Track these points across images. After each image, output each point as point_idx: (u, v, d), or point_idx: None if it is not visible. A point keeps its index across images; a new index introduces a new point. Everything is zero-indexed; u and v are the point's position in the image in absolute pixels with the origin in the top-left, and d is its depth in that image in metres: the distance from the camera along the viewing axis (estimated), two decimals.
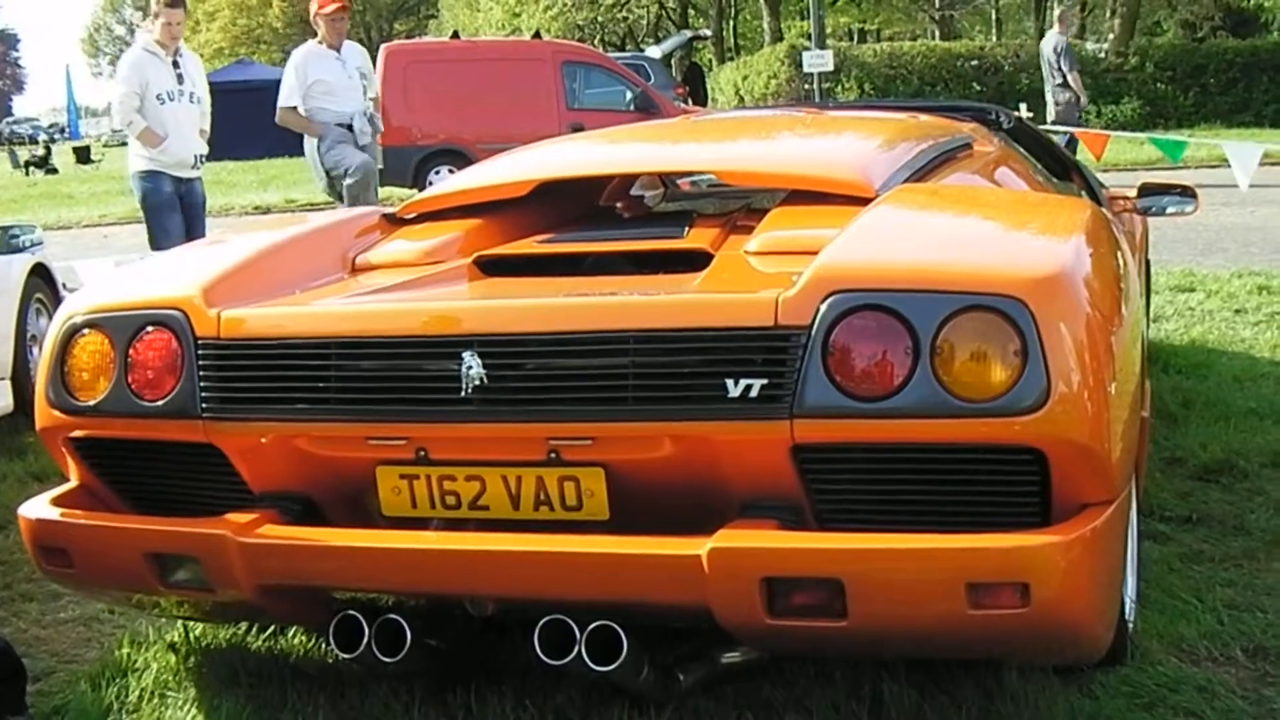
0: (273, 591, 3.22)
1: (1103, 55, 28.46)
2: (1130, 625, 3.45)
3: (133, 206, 20.39)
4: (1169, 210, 5.75)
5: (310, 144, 9.31)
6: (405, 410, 3.05)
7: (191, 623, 3.89)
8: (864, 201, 3.53)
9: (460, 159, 19.36)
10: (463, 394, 2.98)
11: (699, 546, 2.82)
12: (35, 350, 6.87)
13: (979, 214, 3.44)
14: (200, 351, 3.22)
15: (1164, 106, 27.33)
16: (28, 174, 36.19)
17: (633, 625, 2.94)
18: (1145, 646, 3.47)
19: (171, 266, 3.70)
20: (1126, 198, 5.76)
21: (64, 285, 7.51)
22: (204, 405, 3.20)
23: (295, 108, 9.17)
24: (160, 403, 3.24)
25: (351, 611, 3.13)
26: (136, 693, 3.58)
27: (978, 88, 28.03)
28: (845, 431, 2.81)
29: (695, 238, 3.62)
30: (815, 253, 3.15)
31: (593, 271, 3.56)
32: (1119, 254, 3.39)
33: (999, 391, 2.74)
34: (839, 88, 28.46)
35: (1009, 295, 2.75)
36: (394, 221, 4.09)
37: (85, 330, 3.35)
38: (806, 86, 28.76)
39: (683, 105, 21.88)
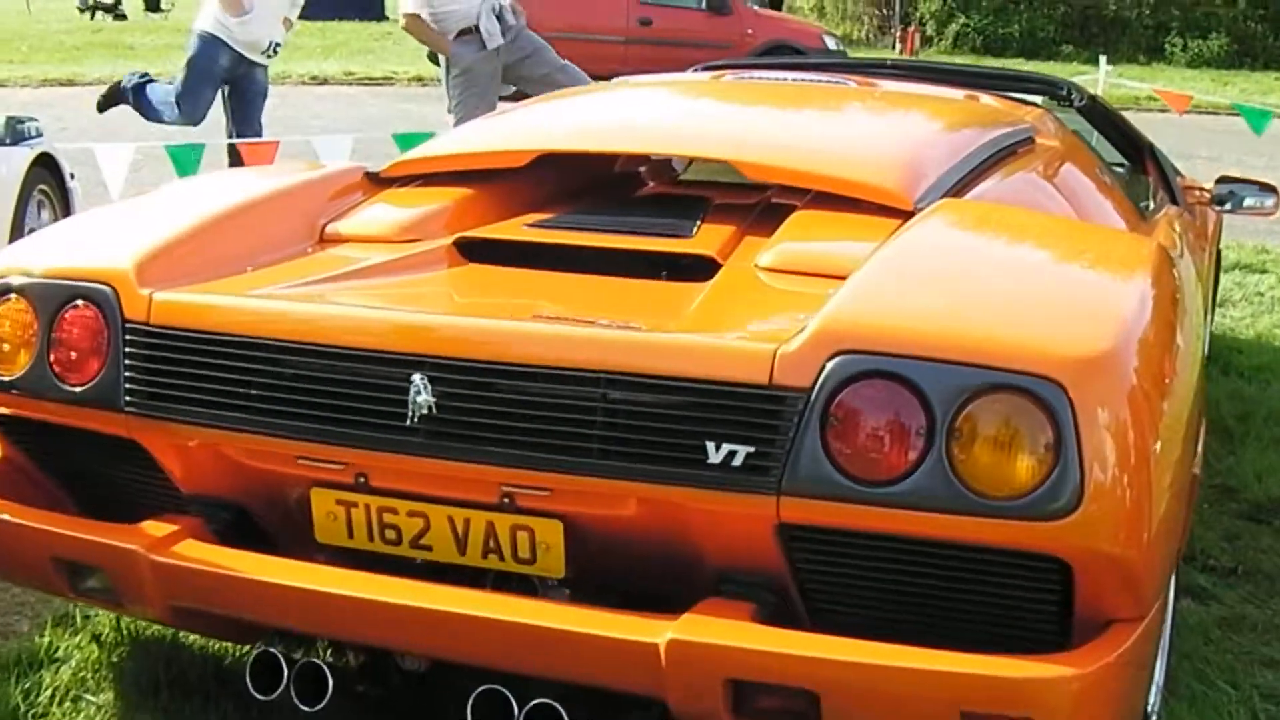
0: (187, 613, 2.87)
1: None
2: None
3: None
4: (1246, 203, 5.27)
5: (441, 59, 7.88)
6: (342, 433, 2.66)
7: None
8: (899, 212, 3.11)
9: None
10: (408, 422, 2.60)
11: (658, 633, 2.44)
12: None
13: (1023, 251, 2.97)
14: (127, 336, 2.84)
15: (1252, 45, 26.35)
16: (93, 18, 35.58)
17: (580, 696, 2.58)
18: None
19: (113, 227, 3.28)
20: (1202, 189, 5.28)
21: (71, 175, 7.14)
22: (128, 397, 2.83)
23: (418, 15, 7.52)
24: (82, 389, 2.86)
25: (271, 649, 2.78)
26: (49, 691, 3.24)
27: (1063, 8, 27.12)
28: (839, 516, 2.40)
29: (704, 239, 3.18)
30: (834, 277, 2.76)
31: (585, 268, 3.14)
32: (1180, 300, 2.94)
33: (1023, 489, 2.32)
34: None
35: (1045, 376, 2.32)
36: (376, 182, 3.63)
37: (10, 295, 2.97)
38: None
39: (756, 8, 21.18)
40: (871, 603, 2.55)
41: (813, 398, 2.39)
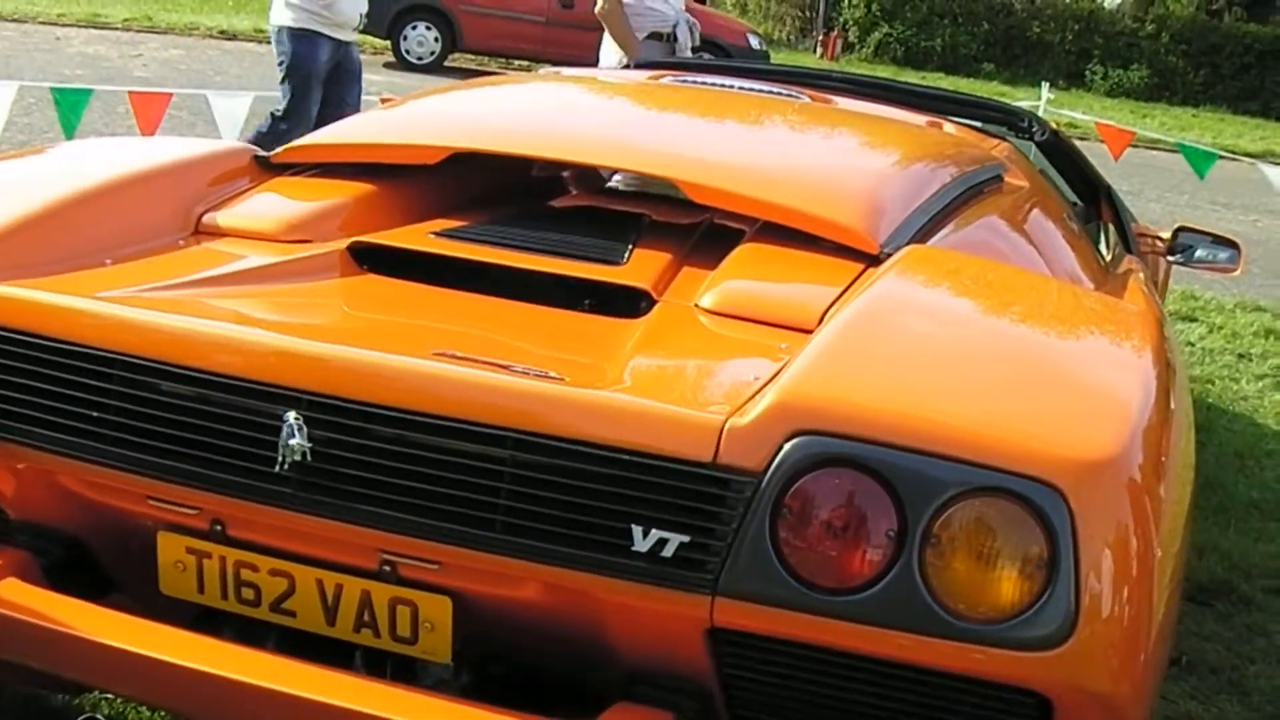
0: (2, 665, 2.43)
1: (1119, 15, 27.47)
2: None
3: (94, 9, 19.45)
4: (1198, 256, 4.93)
5: (609, 53, 7.16)
6: (198, 474, 2.24)
7: None
8: (859, 255, 2.72)
9: (439, 17, 18.31)
10: (277, 468, 2.17)
11: None
12: None
13: (1012, 319, 2.57)
14: None
15: (1172, 80, 26.37)
16: None
17: None
18: None
19: None
20: (1157, 237, 4.95)
21: None
22: None
23: (621, 3, 6.96)
24: None
25: (98, 717, 2.35)
26: None
27: (986, 26, 26.97)
28: (785, 625, 2.02)
29: (636, 268, 2.77)
30: (787, 327, 2.38)
31: (498, 290, 2.72)
32: (1177, 375, 2.58)
33: (1005, 612, 1.96)
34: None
35: (1042, 480, 1.95)
36: (266, 168, 3.16)
37: None
38: None
39: None
40: (807, 717, 2.17)
41: (764, 484, 2.00)
